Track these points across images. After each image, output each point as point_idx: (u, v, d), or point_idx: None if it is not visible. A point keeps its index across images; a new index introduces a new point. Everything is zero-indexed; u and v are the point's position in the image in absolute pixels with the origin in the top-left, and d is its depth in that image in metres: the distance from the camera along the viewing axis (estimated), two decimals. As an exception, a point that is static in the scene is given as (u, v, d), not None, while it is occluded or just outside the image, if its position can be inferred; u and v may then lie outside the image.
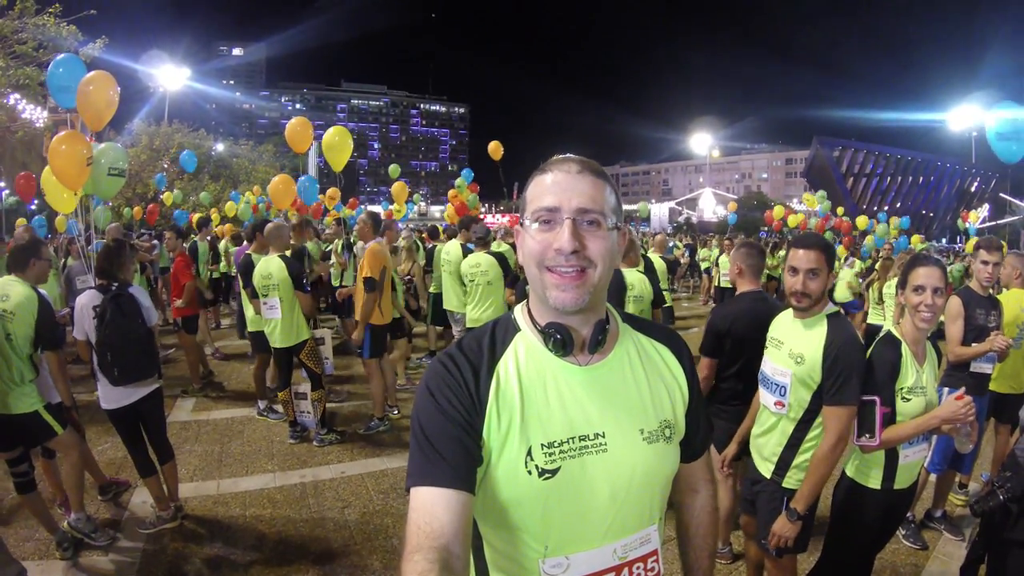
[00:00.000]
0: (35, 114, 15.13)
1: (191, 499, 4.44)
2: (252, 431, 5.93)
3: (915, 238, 16.56)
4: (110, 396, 3.93)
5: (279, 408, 6.00)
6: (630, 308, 4.73)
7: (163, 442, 4.16)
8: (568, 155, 1.18)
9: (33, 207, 18.09)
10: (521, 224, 1.17)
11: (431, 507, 1.02)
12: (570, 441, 1.12)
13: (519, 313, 1.25)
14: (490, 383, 1.14)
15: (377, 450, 5.46)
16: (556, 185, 1.12)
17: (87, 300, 3.92)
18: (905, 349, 2.51)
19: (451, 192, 13.38)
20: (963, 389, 2.36)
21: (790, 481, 2.60)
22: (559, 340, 1.14)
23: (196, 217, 13.73)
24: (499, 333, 1.22)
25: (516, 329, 1.22)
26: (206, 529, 4.07)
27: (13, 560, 3.27)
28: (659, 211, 63.46)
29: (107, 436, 5.40)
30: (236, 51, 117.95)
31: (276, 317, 5.45)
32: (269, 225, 5.86)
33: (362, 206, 20.18)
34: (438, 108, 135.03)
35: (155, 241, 12.58)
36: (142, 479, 4.10)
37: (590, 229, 1.11)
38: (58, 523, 3.85)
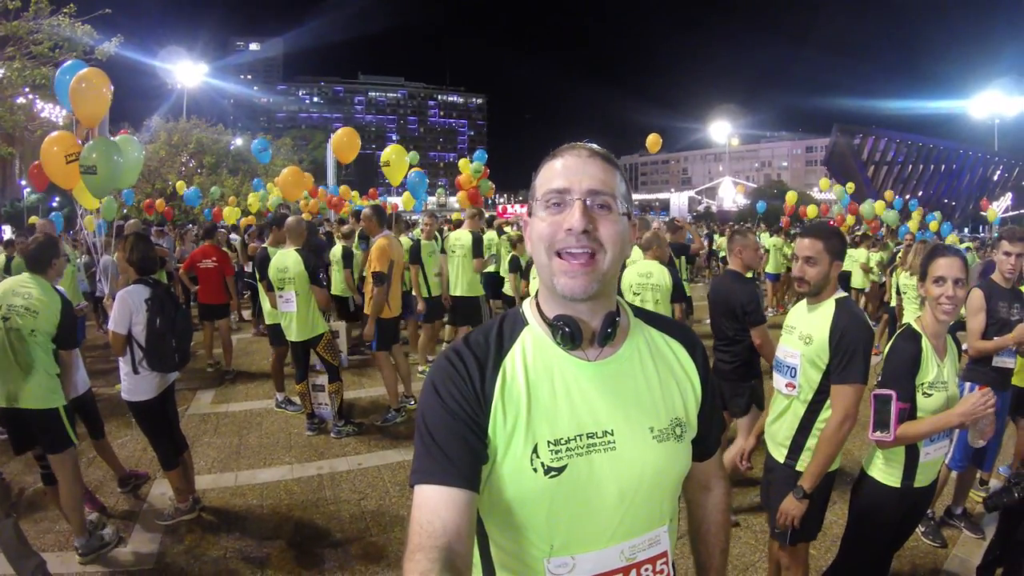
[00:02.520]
0: (53, 112, 15.36)
1: (209, 491, 4.49)
2: (270, 423, 5.99)
3: (933, 224, 16.21)
4: (142, 387, 3.94)
5: (297, 400, 6.05)
6: (647, 296, 4.72)
7: (178, 432, 4.23)
8: (578, 143, 1.17)
9: (55, 204, 18.34)
10: (530, 213, 1.16)
11: (434, 505, 1.01)
12: (577, 439, 1.10)
13: (527, 307, 1.23)
14: (496, 379, 1.12)
15: (394, 442, 5.48)
16: (567, 168, 1.11)
17: (136, 294, 3.93)
18: (926, 343, 2.47)
19: (461, 178, 12.88)
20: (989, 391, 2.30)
21: (803, 464, 2.63)
22: (567, 333, 1.12)
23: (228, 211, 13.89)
24: (506, 327, 1.20)
25: (524, 323, 1.20)
26: (224, 521, 4.12)
27: (33, 552, 3.30)
28: (678, 200, 63.02)
29: (127, 430, 5.47)
30: (253, 46, 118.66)
31: (291, 310, 5.47)
32: (290, 219, 5.91)
33: (382, 198, 20.16)
34: (456, 99, 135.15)
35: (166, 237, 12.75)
36: (165, 472, 4.13)
37: (601, 212, 1.09)
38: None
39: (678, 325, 1.34)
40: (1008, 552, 2.58)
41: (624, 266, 5.01)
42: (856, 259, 10.85)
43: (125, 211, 11.43)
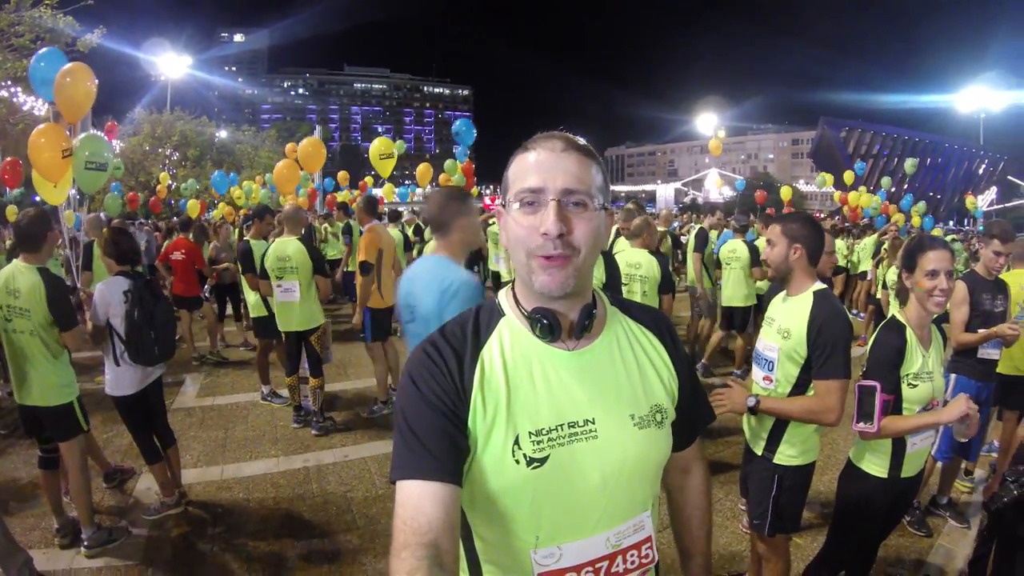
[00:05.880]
0: (36, 106, 15.17)
1: (195, 485, 4.45)
2: (256, 416, 5.95)
3: (915, 218, 16.22)
4: (124, 381, 3.88)
5: (283, 393, 6.01)
6: (635, 288, 4.70)
7: (166, 427, 4.17)
8: (553, 132, 1.13)
9: (38, 199, 18.07)
10: (503, 205, 1.13)
11: (417, 501, 0.99)
12: (559, 428, 1.09)
13: (503, 297, 1.21)
14: (474, 370, 1.11)
15: (380, 433, 5.45)
16: (540, 164, 1.07)
17: (114, 286, 3.85)
18: (910, 334, 2.48)
19: (443, 176, 12.64)
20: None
21: (781, 457, 2.60)
22: (546, 325, 1.11)
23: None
24: (483, 318, 1.19)
25: (501, 314, 1.19)
26: (210, 514, 4.09)
27: (20, 548, 3.26)
28: (665, 192, 63.19)
29: (113, 424, 5.39)
30: (237, 37, 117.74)
31: (294, 300, 5.39)
32: (288, 207, 5.85)
33: (369, 189, 19.92)
34: (442, 91, 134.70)
35: (145, 230, 12.62)
36: (148, 466, 4.09)
37: (576, 211, 1.07)
38: (65, 509, 3.84)
39: (648, 311, 1.32)
40: (1001, 546, 2.58)
41: (613, 256, 4.98)
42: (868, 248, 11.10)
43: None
